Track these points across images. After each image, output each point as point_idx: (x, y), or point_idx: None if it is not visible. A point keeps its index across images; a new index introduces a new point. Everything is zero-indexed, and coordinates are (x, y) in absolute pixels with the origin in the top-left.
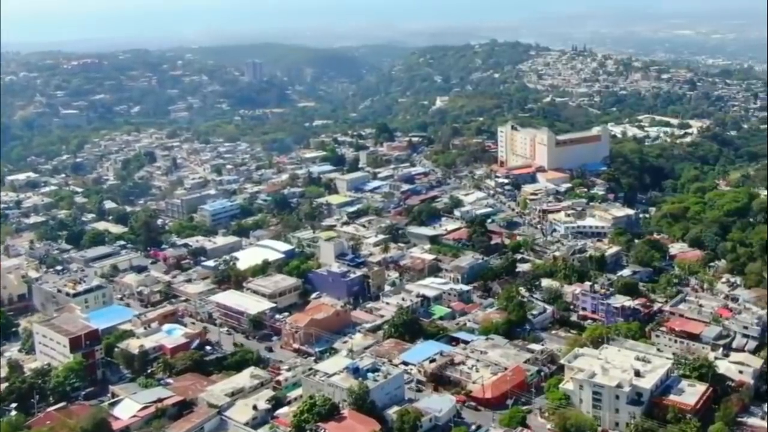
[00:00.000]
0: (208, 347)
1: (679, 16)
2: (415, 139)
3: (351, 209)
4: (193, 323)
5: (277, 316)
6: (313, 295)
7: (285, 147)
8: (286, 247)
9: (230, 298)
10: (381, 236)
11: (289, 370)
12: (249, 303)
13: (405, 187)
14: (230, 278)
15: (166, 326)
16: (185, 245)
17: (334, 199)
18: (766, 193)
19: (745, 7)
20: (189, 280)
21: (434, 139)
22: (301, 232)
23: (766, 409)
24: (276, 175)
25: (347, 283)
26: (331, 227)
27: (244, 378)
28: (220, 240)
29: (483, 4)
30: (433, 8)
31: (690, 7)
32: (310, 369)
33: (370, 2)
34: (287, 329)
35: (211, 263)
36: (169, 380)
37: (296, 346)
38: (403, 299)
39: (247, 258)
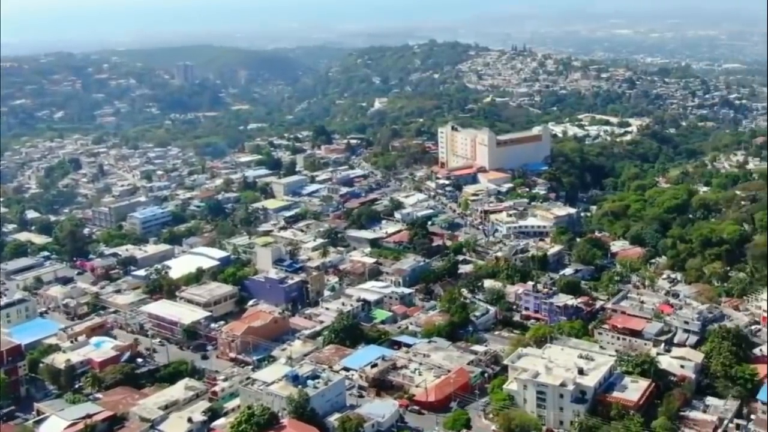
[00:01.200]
0: (139, 360)
1: (617, 15)
2: (353, 142)
3: (288, 214)
4: (124, 335)
5: (213, 325)
6: (250, 303)
7: (219, 151)
8: (221, 254)
9: (163, 308)
10: (320, 241)
11: (225, 380)
12: (182, 312)
13: (344, 190)
14: (162, 288)
15: (95, 339)
16: (114, 255)
17: (270, 204)
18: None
19: (683, 6)
20: (118, 291)
21: (373, 141)
22: (236, 238)
23: (707, 403)
24: (209, 181)
25: (285, 290)
26: (267, 233)
27: (178, 390)
28: (151, 248)
29: (421, 5)
30: (370, 9)
31: (628, 7)
32: (248, 378)
33: (305, 3)
34: (223, 338)
35: (141, 273)
36: (99, 395)
37: (233, 355)
38: (343, 304)
39: (180, 266)
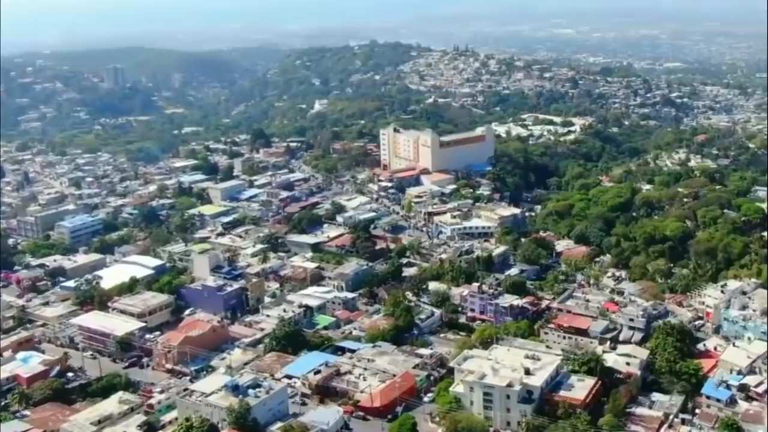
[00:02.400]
0: (69, 374)
1: (559, 15)
2: (293, 145)
3: (226, 219)
4: (53, 349)
5: (148, 336)
6: (187, 312)
7: (152, 156)
8: (155, 262)
9: (94, 320)
10: (259, 246)
11: (162, 392)
12: (115, 324)
13: (284, 194)
14: (93, 299)
15: (21, 354)
16: (41, 266)
17: (207, 210)
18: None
19: (624, 6)
20: (46, 303)
21: (314, 143)
22: (171, 245)
23: (653, 399)
24: (143, 187)
25: (224, 297)
26: (204, 239)
27: (111, 404)
28: (81, 258)
29: (361, 5)
30: (309, 10)
31: (570, 7)
32: (186, 389)
33: (241, 4)
34: (159, 349)
35: (71, 284)
36: (26, 412)
37: (169, 366)
38: (284, 311)
39: (113, 276)
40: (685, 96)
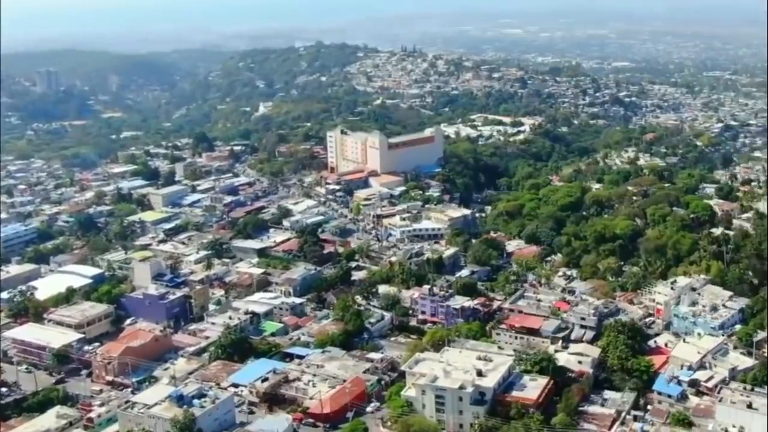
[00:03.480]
0: (3, 389)
1: (507, 15)
2: (237, 148)
3: (168, 226)
4: None
5: (87, 347)
6: (128, 322)
7: (89, 162)
8: (94, 271)
9: (29, 332)
10: (203, 253)
11: (102, 405)
12: (52, 336)
13: (228, 199)
14: (28, 310)
15: None
16: None
17: (148, 216)
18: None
19: (572, 5)
20: None
21: (258, 147)
22: (111, 254)
23: (605, 396)
24: (79, 194)
25: (166, 306)
26: (145, 247)
27: (49, 419)
28: (14, 269)
29: (306, 6)
30: (253, 10)
31: (518, 7)
32: (127, 402)
33: (182, 5)
34: (99, 361)
35: (4, 295)
36: None
37: (110, 378)
38: (230, 318)
39: (48, 287)
40: (633, 95)
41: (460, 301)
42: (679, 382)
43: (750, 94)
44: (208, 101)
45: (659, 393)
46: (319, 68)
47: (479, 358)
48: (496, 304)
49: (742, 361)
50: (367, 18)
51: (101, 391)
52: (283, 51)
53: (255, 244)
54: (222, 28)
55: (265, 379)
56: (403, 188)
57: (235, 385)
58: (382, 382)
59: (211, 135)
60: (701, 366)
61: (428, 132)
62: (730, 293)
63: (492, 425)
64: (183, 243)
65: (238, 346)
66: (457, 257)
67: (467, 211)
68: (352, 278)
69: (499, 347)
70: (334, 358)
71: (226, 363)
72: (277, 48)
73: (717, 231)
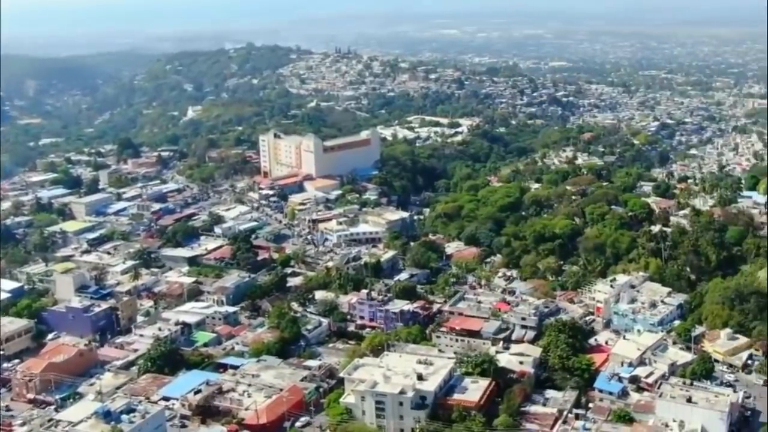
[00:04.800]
0: None
1: (443, 15)
2: (165, 154)
3: (92, 236)
4: None
5: (5, 364)
6: (50, 336)
7: (5, 171)
8: (12, 285)
9: None
10: (130, 263)
11: (23, 424)
12: None
13: (156, 206)
14: None
15: None
16: None
17: (70, 226)
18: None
19: (508, 6)
20: None
21: (188, 152)
22: (30, 266)
23: (547, 396)
24: None
25: (91, 319)
26: (68, 258)
27: None
28: None
29: (236, 7)
30: (180, 12)
31: (454, 7)
32: (50, 420)
33: (103, 7)
34: (19, 378)
35: None
36: None
37: (31, 396)
38: (159, 329)
39: None
40: (570, 95)
41: (400, 305)
42: (620, 379)
43: (685, 92)
44: (134, 106)
45: (600, 390)
46: (250, 71)
47: (419, 362)
48: (435, 307)
49: (682, 356)
50: (299, 19)
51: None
52: (213, 53)
53: (185, 252)
54: (147, 30)
55: (197, 391)
56: (339, 192)
57: (166, 399)
58: (321, 390)
59: (136, 141)
60: (641, 362)
61: (364, 134)
62: (668, 289)
63: (434, 429)
64: (108, 253)
65: (169, 358)
66: (395, 260)
67: (405, 214)
68: (288, 285)
69: (440, 350)
70: (270, 367)
71: (156, 376)
72: (205, 50)
73: (655, 228)
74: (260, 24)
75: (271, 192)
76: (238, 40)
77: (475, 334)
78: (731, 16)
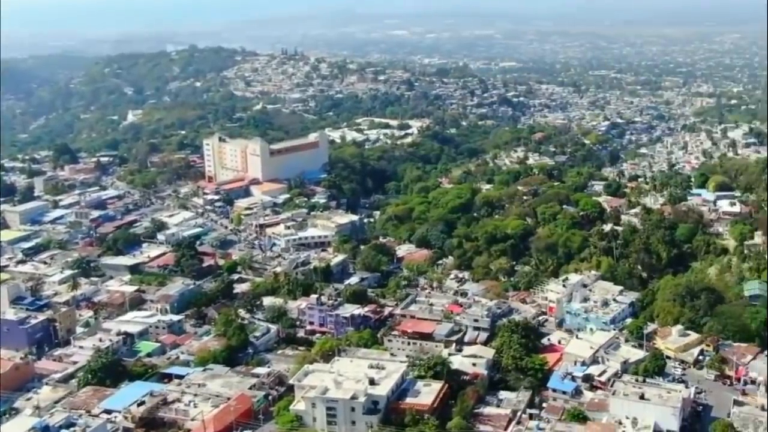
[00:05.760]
0: None
1: (392, 16)
2: (104, 159)
3: (27, 245)
4: None
5: None
6: None
7: None
8: None
9: None
10: (68, 272)
11: None
12: None
13: (95, 213)
14: None
15: None
16: None
17: (4, 236)
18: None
19: (458, 6)
20: None
21: (128, 157)
22: None
23: (500, 397)
24: None
25: (27, 331)
26: (2, 268)
27: None
28: None
29: (178, 8)
30: (118, 13)
31: (403, 8)
32: None
33: (36, 7)
34: None
35: None
36: None
37: None
38: (100, 340)
39: None
40: (521, 95)
41: (350, 309)
42: (573, 378)
43: (635, 92)
44: (70, 110)
45: (554, 390)
46: (193, 73)
47: (371, 367)
48: (387, 311)
49: (634, 353)
50: (243, 20)
51: None
52: (153, 55)
53: (126, 260)
54: (84, 32)
55: (141, 403)
56: (286, 196)
57: (108, 412)
58: (270, 398)
59: (74, 146)
60: (594, 361)
61: (312, 137)
62: (620, 288)
63: None
64: (45, 263)
65: (110, 370)
66: (345, 264)
67: (355, 217)
68: (235, 291)
69: (392, 354)
70: (217, 375)
71: (97, 388)
72: (146, 52)
73: (606, 227)
74: (203, 25)
75: (216, 197)
76: (180, 42)
77: (428, 336)
78: (679, 16)
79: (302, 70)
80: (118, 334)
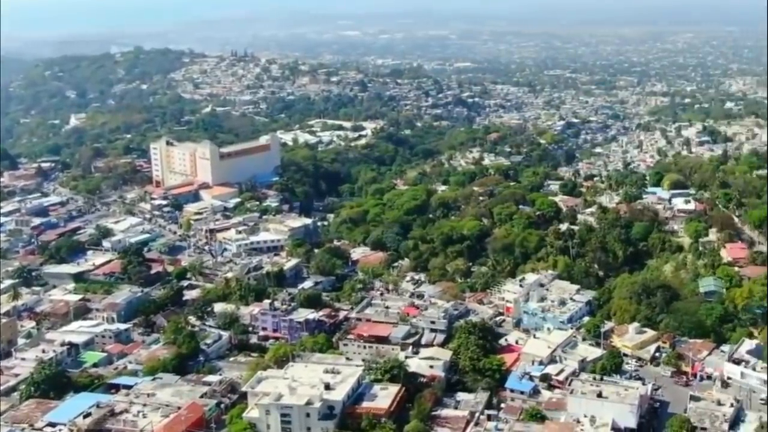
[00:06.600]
0: None
1: (345, 17)
2: (45, 165)
3: None
4: None
5: None
6: None
7: None
8: None
9: None
10: (8, 282)
11: None
12: None
13: (37, 221)
14: None
15: None
16: None
17: None
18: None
19: (411, 6)
20: None
21: (71, 162)
22: None
23: (458, 399)
24: None
25: None
26: None
27: None
28: None
29: (122, 9)
30: (59, 13)
31: (356, 8)
32: None
33: None
34: None
35: None
36: None
37: None
38: (43, 351)
39: None
40: (476, 95)
41: (304, 314)
42: (531, 378)
43: (590, 91)
44: (9, 115)
45: (512, 390)
46: (139, 75)
47: (326, 371)
48: (342, 315)
49: (591, 351)
50: (191, 21)
51: None
52: (97, 57)
53: (70, 268)
54: (20, 34)
55: (87, 415)
56: (237, 200)
57: (53, 425)
58: (222, 406)
59: (13, 151)
60: (552, 360)
61: (263, 140)
62: (577, 287)
63: None
64: None
65: (55, 381)
66: (299, 269)
67: (308, 221)
68: (185, 298)
69: (348, 358)
70: (167, 384)
71: (40, 401)
72: (89, 54)
73: (563, 227)
74: (149, 26)
75: (164, 202)
76: (124, 44)
77: (384, 339)
78: (633, 15)
79: (253, 71)
80: (63, 344)
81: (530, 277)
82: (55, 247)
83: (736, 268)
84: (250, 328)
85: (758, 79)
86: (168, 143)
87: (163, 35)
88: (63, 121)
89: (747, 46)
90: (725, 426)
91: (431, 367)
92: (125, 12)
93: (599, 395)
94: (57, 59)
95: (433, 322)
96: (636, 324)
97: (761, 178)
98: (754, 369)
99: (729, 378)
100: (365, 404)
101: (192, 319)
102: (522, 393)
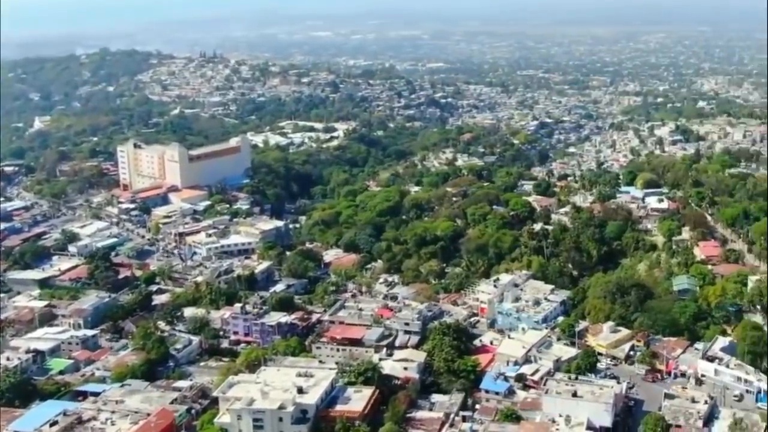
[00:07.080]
0: None
1: (315, 17)
2: (8, 169)
3: None
4: None
5: None
6: None
7: None
8: None
9: None
10: None
11: None
12: None
13: (1, 226)
14: None
15: None
16: None
17: None
18: None
19: (383, 7)
20: None
21: (35, 166)
22: None
23: (432, 400)
24: None
25: None
26: None
27: None
28: None
29: (88, 9)
30: (22, 14)
31: (327, 8)
32: None
33: None
34: None
35: None
36: None
37: None
38: (8, 359)
39: None
40: (449, 96)
41: (276, 318)
42: (506, 378)
43: (563, 91)
44: None
45: (486, 391)
46: (105, 77)
47: (299, 375)
48: (315, 317)
49: (566, 351)
50: (158, 21)
51: None
52: (62, 59)
53: (35, 274)
54: None
55: (54, 423)
56: (207, 203)
57: None
58: (193, 412)
59: None
60: (527, 360)
61: (233, 142)
62: (551, 286)
63: None
64: None
65: (20, 390)
66: (270, 271)
67: (280, 223)
68: (154, 303)
69: (321, 361)
70: (136, 391)
71: (5, 410)
72: (53, 56)
73: (537, 227)
74: (115, 27)
75: (132, 206)
76: (90, 45)
77: (357, 342)
78: (606, 15)
79: (222, 72)
80: (28, 351)
81: (504, 278)
82: (19, 253)
83: (710, 266)
84: (221, 333)
85: (729, 78)
86: (135, 146)
87: (129, 36)
88: (27, 124)
89: (718, 46)
90: (699, 423)
91: (405, 369)
92: (89, 12)
93: (574, 395)
94: (20, 61)
95: (407, 324)
96: (610, 323)
97: (733, 176)
98: (727, 366)
99: (703, 375)
100: (339, 407)
101: (161, 324)
102: (497, 393)
